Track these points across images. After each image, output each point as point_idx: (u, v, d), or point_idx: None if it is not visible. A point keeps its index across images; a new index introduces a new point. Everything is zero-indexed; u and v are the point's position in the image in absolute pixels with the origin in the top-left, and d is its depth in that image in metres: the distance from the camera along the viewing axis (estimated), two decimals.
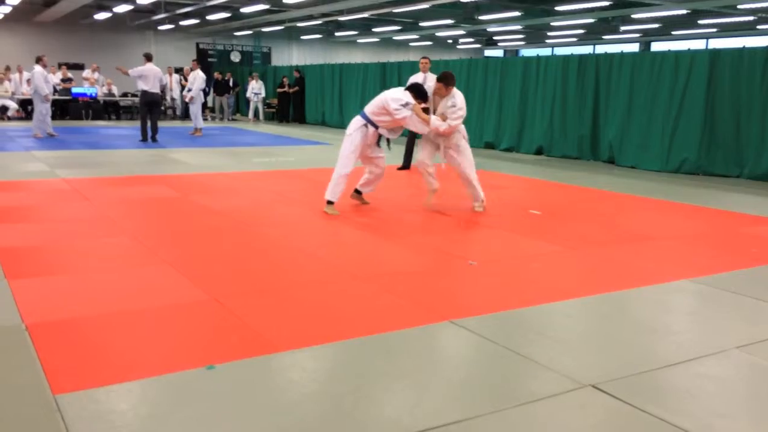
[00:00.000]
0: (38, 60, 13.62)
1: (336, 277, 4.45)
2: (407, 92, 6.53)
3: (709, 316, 3.90)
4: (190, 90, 15.43)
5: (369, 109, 6.58)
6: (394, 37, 28.95)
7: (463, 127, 6.71)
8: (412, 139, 9.92)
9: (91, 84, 19.89)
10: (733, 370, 3.15)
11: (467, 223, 6.28)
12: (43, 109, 13.52)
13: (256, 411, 2.59)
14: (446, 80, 6.53)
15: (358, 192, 6.99)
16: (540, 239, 5.66)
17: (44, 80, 13.38)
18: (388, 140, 6.68)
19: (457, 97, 6.51)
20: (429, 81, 9.62)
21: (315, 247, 5.25)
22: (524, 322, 3.69)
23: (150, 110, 13.37)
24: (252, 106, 20.87)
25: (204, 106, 21.44)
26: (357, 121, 6.61)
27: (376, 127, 6.52)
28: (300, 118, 20.15)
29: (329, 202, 6.56)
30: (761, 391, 2.91)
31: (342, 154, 6.58)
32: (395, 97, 6.42)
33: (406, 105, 6.38)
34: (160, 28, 25.76)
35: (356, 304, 3.94)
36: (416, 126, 6.50)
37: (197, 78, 15.35)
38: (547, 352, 3.25)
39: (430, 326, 3.55)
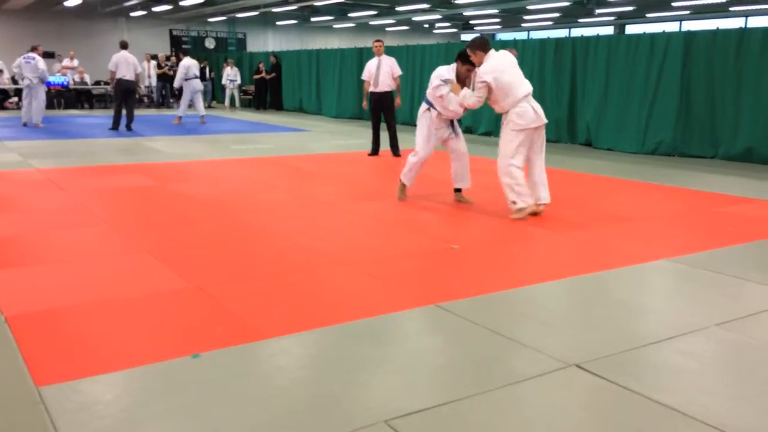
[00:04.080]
0: (34, 49, 13.65)
1: (319, 263, 4.43)
2: (454, 65, 6.09)
3: (689, 295, 3.96)
4: (189, 79, 15.06)
5: (428, 90, 6.23)
6: (371, 22, 28.79)
7: (518, 111, 5.69)
8: (377, 122, 9.87)
9: (63, 72, 19.52)
10: (713, 347, 3.21)
11: (449, 207, 6.29)
12: (44, 97, 13.72)
13: (243, 398, 2.58)
14: (464, 56, 5.90)
15: (457, 190, 6.54)
16: (521, 222, 5.69)
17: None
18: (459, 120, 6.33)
19: (485, 66, 5.68)
20: (383, 65, 9.68)
21: (298, 233, 5.23)
22: (508, 304, 3.72)
23: (125, 98, 13.17)
24: (228, 93, 20.64)
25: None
26: (422, 108, 6.34)
27: (438, 111, 6.16)
28: (277, 105, 19.99)
29: (403, 184, 6.48)
30: (741, 366, 2.97)
31: (416, 140, 6.37)
32: (440, 72, 6.07)
33: (446, 81, 5.99)
34: (133, 14, 25.33)
35: (341, 289, 3.93)
36: (453, 106, 6.03)
37: (180, 67, 15.08)
38: (531, 333, 3.28)
39: (415, 310, 3.56)
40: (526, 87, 5.77)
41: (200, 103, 15.36)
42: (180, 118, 15.02)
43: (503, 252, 4.83)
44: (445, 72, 6.07)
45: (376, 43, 9.77)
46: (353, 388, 2.69)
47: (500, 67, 5.68)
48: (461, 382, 2.75)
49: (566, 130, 11.66)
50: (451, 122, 6.32)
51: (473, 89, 5.86)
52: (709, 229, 5.54)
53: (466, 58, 5.92)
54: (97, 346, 3.05)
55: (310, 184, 7.60)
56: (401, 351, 3.07)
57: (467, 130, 13.28)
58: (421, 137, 6.29)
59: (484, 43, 5.81)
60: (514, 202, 5.76)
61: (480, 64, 5.76)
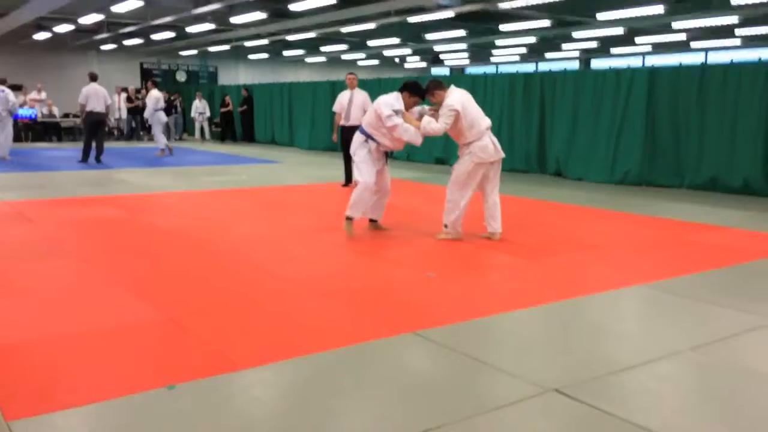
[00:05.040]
0: (3, 81, 13.59)
1: (295, 292, 4.41)
2: (400, 95, 6.00)
3: (662, 320, 4.02)
4: (158, 110, 15.07)
5: (365, 121, 6.09)
6: (342, 56, 29.11)
7: (480, 144, 5.89)
8: (349, 155, 9.72)
9: (31, 105, 19.30)
10: (688, 370, 3.25)
11: (420, 236, 6.31)
12: (11, 130, 13.65)
13: (219, 430, 2.53)
14: (410, 89, 5.99)
15: (372, 221, 6.50)
16: (495, 250, 5.75)
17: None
18: (391, 152, 6.27)
19: (450, 97, 5.83)
20: (356, 98, 9.62)
21: (272, 263, 5.20)
22: (486, 331, 3.73)
23: (95, 131, 13.05)
24: (197, 125, 20.60)
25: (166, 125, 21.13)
26: (357, 139, 6.13)
27: (378, 143, 6.04)
28: (249, 137, 19.99)
29: (348, 218, 6.15)
30: (715, 390, 3.01)
31: (360, 171, 6.09)
32: (388, 101, 5.91)
33: (397, 112, 5.86)
34: (103, 48, 25.27)
35: (317, 318, 3.91)
36: (410, 135, 5.88)
37: (150, 98, 15.04)
38: (509, 358, 3.29)
39: (393, 338, 3.55)
40: (486, 121, 6.05)
41: (160, 135, 15.26)
42: (163, 150, 14.94)
43: (478, 279, 4.86)
44: (394, 102, 5.94)
45: (350, 76, 9.65)
46: (332, 418, 2.66)
47: (465, 100, 5.89)
48: (441, 410, 2.73)
49: (536, 161, 11.86)
50: (385, 155, 6.28)
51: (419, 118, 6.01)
52: (679, 256, 5.65)
53: (414, 90, 6.00)
54: (69, 379, 2.98)
55: (284, 214, 7.58)
56: (379, 379, 3.05)
57: (439, 161, 13.42)
58: (366, 165, 6.05)
59: (439, 83, 5.99)
60: (446, 226, 6.10)
61: (442, 99, 5.88)
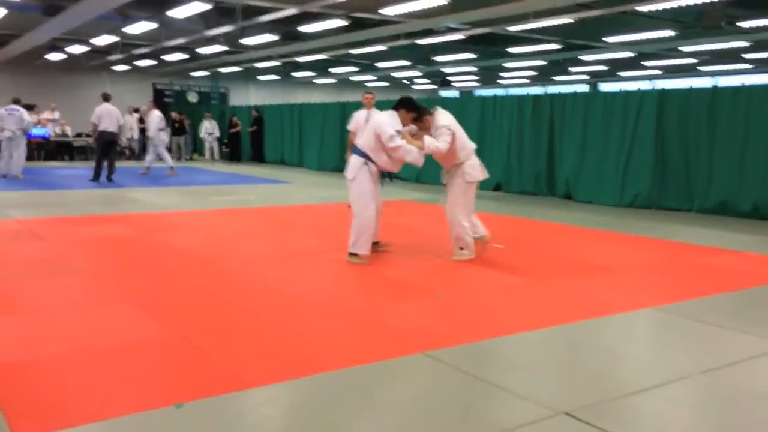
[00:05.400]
0: (17, 101, 13.74)
1: (305, 312, 4.40)
2: (395, 113, 5.83)
3: (673, 343, 3.99)
4: (162, 129, 15.29)
5: (363, 142, 5.86)
6: (352, 78, 29.34)
7: (470, 164, 6.11)
8: None
9: (44, 124, 19.51)
10: (699, 394, 3.23)
11: (428, 257, 6.30)
12: (24, 149, 13.88)
13: None
14: (408, 106, 5.88)
15: (373, 244, 6.14)
16: (505, 272, 5.73)
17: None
18: (390, 174, 6.25)
19: (443, 120, 5.90)
20: (373, 117, 9.46)
21: (282, 283, 5.20)
22: (495, 353, 3.71)
23: (107, 150, 13.17)
24: (207, 145, 20.75)
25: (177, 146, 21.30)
26: (355, 162, 5.85)
27: (376, 165, 5.84)
28: (259, 158, 20.10)
29: (354, 254, 5.86)
30: (727, 413, 2.98)
31: (359, 200, 5.86)
32: (387, 121, 5.71)
33: (398, 133, 5.72)
34: (116, 68, 25.57)
35: (327, 338, 3.90)
36: (412, 156, 5.76)
37: (153, 118, 15.22)
38: (519, 381, 3.27)
39: (401, 359, 3.54)
40: (472, 143, 6.30)
41: (153, 156, 15.35)
42: (172, 168, 15.10)
43: (487, 301, 4.84)
44: (393, 121, 5.77)
45: (368, 96, 9.39)
46: None
47: (454, 122, 6.01)
48: (452, 431, 2.71)
49: (546, 183, 11.85)
50: (381, 176, 6.17)
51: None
52: (689, 280, 5.61)
53: (411, 106, 5.90)
54: (78, 396, 2.98)
55: (292, 234, 7.59)
56: (388, 400, 3.04)
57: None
58: (367, 196, 5.85)
59: (425, 108, 6.03)
60: (461, 249, 6.16)
61: (430, 123, 5.94)
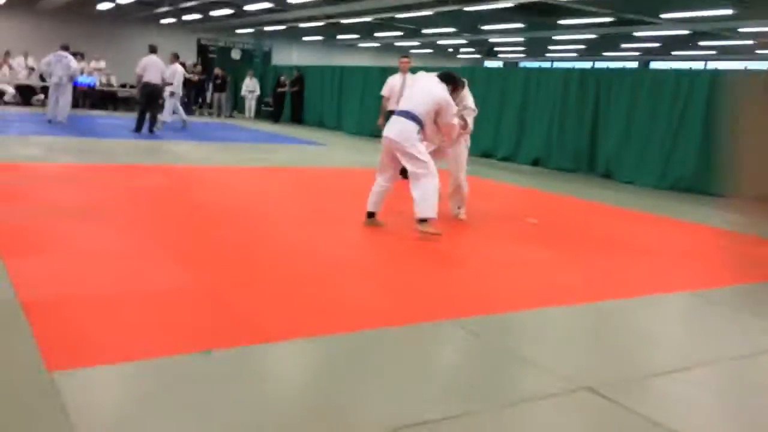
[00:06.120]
0: (65, 48, 13.81)
1: (333, 272, 4.43)
2: (444, 85, 5.64)
3: (704, 328, 3.92)
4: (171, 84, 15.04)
5: (420, 108, 5.47)
6: (395, 43, 29.03)
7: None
8: None
9: (91, 72, 19.80)
10: (726, 380, 3.17)
11: (465, 229, 6.27)
12: (70, 96, 14.00)
13: (250, 400, 2.57)
14: (454, 81, 5.83)
15: (372, 215, 5.90)
16: (539, 246, 5.67)
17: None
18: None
19: (469, 98, 6.18)
20: (408, 83, 9.25)
21: (311, 243, 5.23)
22: (523, 325, 3.69)
23: (150, 102, 13.32)
24: (247, 104, 20.82)
25: (203, 101, 21.41)
26: (411, 127, 5.44)
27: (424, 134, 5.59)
28: (298, 119, 20.10)
29: (423, 220, 5.47)
30: (754, 401, 2.92)
31: (422, 157, 5.46)
32: (449, 97, 5.52)
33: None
34: (162, 21, 25.73)
35: (355, 298, 3.92)
36: (454, 134, 5.80)
37: (177, 72, 14.84)
38: (544, 353, 3.25)
39: (428, 323, 3.55)
40: None
41: (171, 108, 15.07)
42: (185, 120, 15.05)
43: (519, 273, 4.80)
44: (449, 95, 5.62)
45: (403, 59, 9.21)
46: (361, 396, 2.68)
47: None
48: (471, 398, 2.72)
49: (586, 160, 11.63)
50: None
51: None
52: (728, 266, 5.49)
53: (456, 83, 5.90)
54: (110, 336, 3.06)
55: (326, 196, 7.62)
56: (411, 362, 3.05)
57: (486, 155, 13.30)
58: (429, 155, 5.63)
59: (461, 80, 6.07)
60: (459, 208, 6.53)
61: (461, 96, 6.10)
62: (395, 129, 5.54)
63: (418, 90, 5.63)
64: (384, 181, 5.80)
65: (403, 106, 5.66)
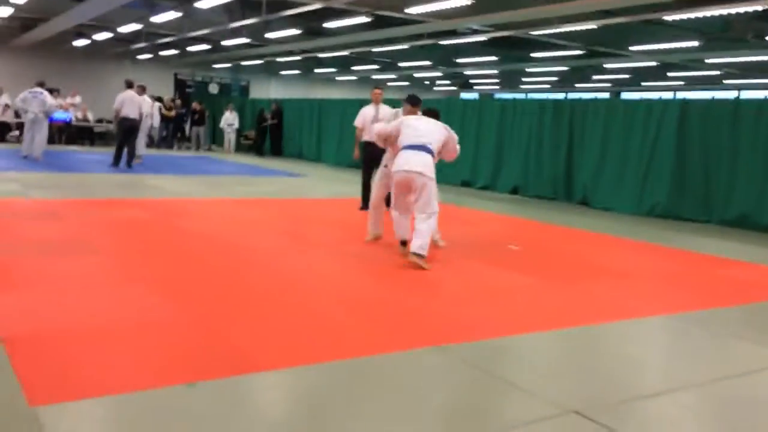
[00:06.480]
0: (42, 84, 13.84)
1: (319, 302, 4.42)
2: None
3: (686, 351, 3.97)
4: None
5: (434, 142, 5.84)
6: (373, 76, 29.36)
7: None
8: (369, 174, 8.65)
9: (65, 108, 19.70)
10: (710, 401, 3.20)
11: (441, 254, 6.30)
12: (46, 132, 13.99)
13: (233, 431, 2.54)
14: (438, 115, 6.25)
15: (405, 243, 6.02)
16: (520, 273, 5.71)
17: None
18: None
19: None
20: (381, 113, 9.25)
21: (296, 272, 5.23)
22: (507, 350, 3.71)
23: (127, 137, 13.28)
24: (226, 136, 20.85)
25: (183, 135, 21.36)
26: (429, 160, 5.73)
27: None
28: (277, 151, 20.13)
29: (421, 256, 5.55)
30: (737, 422, 2.96)
31: (432, 200, 5.76)
32: (448, 127, 6.09)
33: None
34: (139, 57, 25.77)
35: (339, 327, 3.91)
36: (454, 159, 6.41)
37: (145, 104, 14.66)
38: (530, 378, 3.27)
39: (415, 351, 3.55)
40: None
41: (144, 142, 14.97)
42: (140, 156, 14.37)
43: (502, 300, 4.83)
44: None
45: (377, 90, 9.31)
46: (347, 426, 2.66)
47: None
48: (459, 425, 2.72)
49: (563, 188, 11.80)
50: None
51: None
52: (705, 290, 5.57)
53: (439, 115, 6.28)
54: (92, 370, 3.01)
55: (309, 226, 7.62)
56: (397, 390, 3.04)
57: (465, 183, 13.42)
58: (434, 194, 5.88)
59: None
60: (436, 241, 6.35)
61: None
62: (419, 162, 5.67)
63: (425, 124, 5.94)
64: (407, 212, 5.99)
65: (416, 140, 5.81)
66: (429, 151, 5.76)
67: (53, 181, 10.38)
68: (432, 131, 5.90)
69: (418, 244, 5.57)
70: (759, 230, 9.10)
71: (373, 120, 8.90)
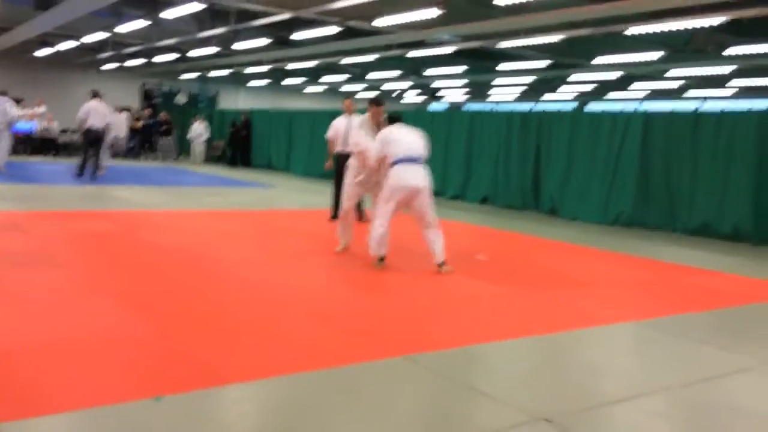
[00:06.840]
0: (4, 93, 13.48)
1: (285, 312, 4.39)
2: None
3: (653, 357, 4.03)
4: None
5: (424, 152, 6.06)
6: (342, 87, 29.39)
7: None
8: (341, 184, 8.23)
9: (31, 118, 19.31)
10: (678, 406, 3.26)
11: (410, 266, 6.31)
12: (8, 142, 13.53)
13: None
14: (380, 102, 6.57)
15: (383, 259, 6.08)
16: (488, 282, 5.75)
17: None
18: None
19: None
20: (354, 124, 9.22)
21: (264, 283, 5.19)
22: (476, 359, 3.73)
23: (93, 147, 13.07)
24: (196, 148, 20.65)
25: (150, 146, 21.09)
26: (423, 173, 5.90)
27: None
28: (246, 162, 20.00)
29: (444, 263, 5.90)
30: (705, 426, 3.01)
31: (431, 210, 5.96)
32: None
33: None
34: (105, 67, 25.41)
35: (309, 337, 3.89)
36: None
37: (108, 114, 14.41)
38: (499, 386, 3.29)
39: (383, 361, 3.54)
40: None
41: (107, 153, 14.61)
42: (104, 168, 13.99)
43: (470, 309, 4.85)
44: None
45: (347, 101, 9.29)
46: None
47: None
48: None
49: (532, 197, 11.94)
50: None
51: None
52: (671, 297, 5.67)
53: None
54: (57, 385, 2.95)
55: (277, 237, 7.58)
56: (367, 401, 3.04)
57: (435, 194, 13.43)
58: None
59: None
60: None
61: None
62: (421, 176, 5.86)
63: (407, 134, 6.05)
64: (388, 222, 5.97)
65: (409, 153, 5.90)
66: (422, 162, 5.95)
67: (16, 192, 10.16)
68: (417, 141, 6.04)
69: (440, 254, 5.94)
70: (720, 238, 9.31)
71: (345, 131, 8.89)
